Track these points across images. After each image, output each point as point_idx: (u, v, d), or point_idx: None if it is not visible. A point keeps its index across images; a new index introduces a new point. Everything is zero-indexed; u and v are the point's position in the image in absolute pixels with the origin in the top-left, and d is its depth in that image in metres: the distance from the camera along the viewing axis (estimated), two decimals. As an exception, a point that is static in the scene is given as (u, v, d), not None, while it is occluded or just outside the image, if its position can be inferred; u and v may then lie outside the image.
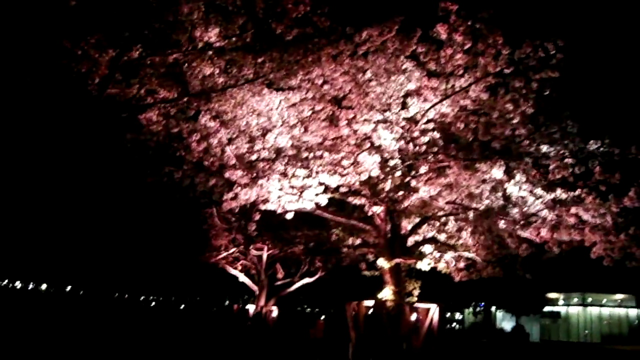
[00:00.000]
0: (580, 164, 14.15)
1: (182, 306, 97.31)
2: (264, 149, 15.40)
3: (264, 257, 30.49)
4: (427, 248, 19.03)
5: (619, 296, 53.53)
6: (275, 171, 15.37)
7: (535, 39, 13.33)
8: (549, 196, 14.74)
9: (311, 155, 15.49)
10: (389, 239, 17.92)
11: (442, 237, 18.75)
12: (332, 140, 14.97)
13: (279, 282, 32.15)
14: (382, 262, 17.61)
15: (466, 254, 17.89)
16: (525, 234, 15.87)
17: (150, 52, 11.25)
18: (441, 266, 19.44)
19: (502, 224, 14.68)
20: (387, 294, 17.54)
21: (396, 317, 17.31)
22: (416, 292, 18.57)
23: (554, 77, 13.84)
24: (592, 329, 53.23)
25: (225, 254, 29.89)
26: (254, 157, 15.33)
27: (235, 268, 31.00)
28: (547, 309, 52.87)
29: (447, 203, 15.76)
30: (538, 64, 13.59)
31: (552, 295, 52.46)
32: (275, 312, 31.63)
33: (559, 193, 14.49)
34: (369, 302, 17.93)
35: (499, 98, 14.32)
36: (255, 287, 31.50)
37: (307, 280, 32.04)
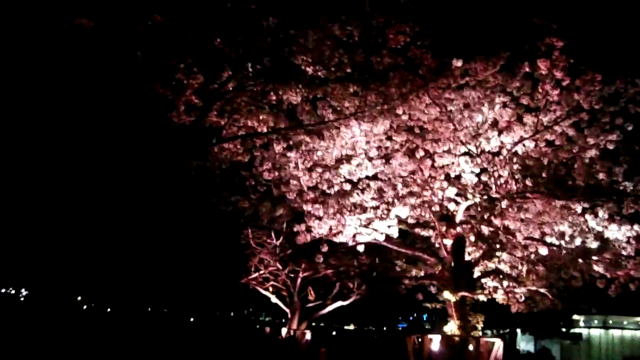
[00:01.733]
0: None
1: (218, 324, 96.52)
2: (340, 180, 15.14)
3: (299, 279, 30.08)
4: (486, 279, 18.71)
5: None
6: (352, 204, 15.10)
7: (626, 76, 13.11)
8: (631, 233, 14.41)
9: (387, 187, 15.24)
10: (453, 271, 17.56)
11: (505, 269, 18.39)
12: (409, 172, 14.69)
13: (310, 304, 31.71)
14: (448, 295, 17.20)
15: (530, 287, 17.51)
16: (599, 269, 15.51)
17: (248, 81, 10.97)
18: (499, 297, 19.06)
19: (598, 266, 14.29)
20: (452, 327, 17.17)
21: (461, 352, 16.96)
22: (480, 326, 18.16)
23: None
24: (613, 351, 52.78)
25: (255, 274, 29.55)
26: (327, 188, 15.06)
27: (266, 289, 30.60)
28: (567, 331, 52.46)
29: (525, 239, 15.39)
30: (627, 99, 13.33)
31: (573, 317, 52.01)
32: (308, 335, 31.13)
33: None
34: (433, 336, 17.57)
35: (586, 133, 14.03)
36: (287, 309, 31.08)
37: (340, 303, 31.58)
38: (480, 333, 18.03)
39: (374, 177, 15.06)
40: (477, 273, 18.29)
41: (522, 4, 12.47)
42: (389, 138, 14.38)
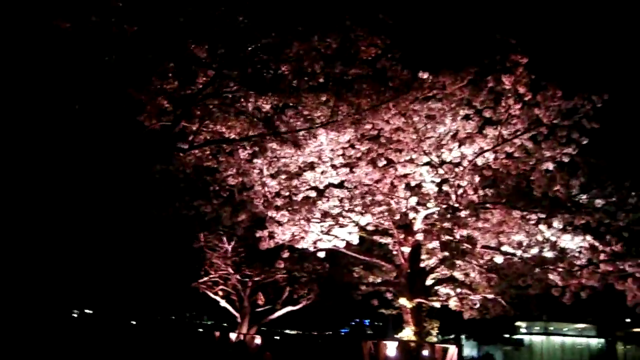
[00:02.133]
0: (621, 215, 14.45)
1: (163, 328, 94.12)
2: (305, 188, 15.23)
3: (249, 284, 29.89)
4: (440, 287, 19.09)
5: (580, 325, 54.92)
6: (317, 210, 15.20)
7: (583, 92, 13.58)
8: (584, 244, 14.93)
9: (351, 194, 15.40)
10: (409, 278, 17.83)
11: (459, 276, 18.81)
12: (372, 180, 14.89)
13: (260, 309, 31.55)
14: (404, 302, 17.47)
15: (486, 295, 17.96)
16: (555, 278, 15.90)
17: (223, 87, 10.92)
18: (452, 304, 19.50)
19: (553, 275, 14.70)
20: (408, 333, 17.45)
21: (417, 358, 17.25)
22: (434, 332, 18.50)
23: (595, 128, 14.09)
24: (554, 357, 54.35)
25: (205, 278, 29.27)
26: (293, 195, 15.13)
27: (215, 293, 30.30)
28: (510, 336, 53.77)
29: (482, 247, 15.75)
30: (583, 115, 13.80)
31: (516, 323, 53.32)
32: (258, 339, 30.98)
33: (598, 244, 14.65)
34: (388, 342, 17.83)
35: (543, 146, 14.45)
36: (236, 314, 30.84)
37: (290, 308, 31.52)
38: (435, 339, 18.40)
39: (339, 185, 15.20)
40: (430, 281, 18.66)
41: (488, 22, 12.81)
42: (352, 146, 14.51)
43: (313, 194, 15.28)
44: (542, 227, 14.95)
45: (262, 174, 14.79)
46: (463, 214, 14.99)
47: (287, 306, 31.30)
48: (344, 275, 20.62)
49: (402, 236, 17.02)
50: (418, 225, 16.73)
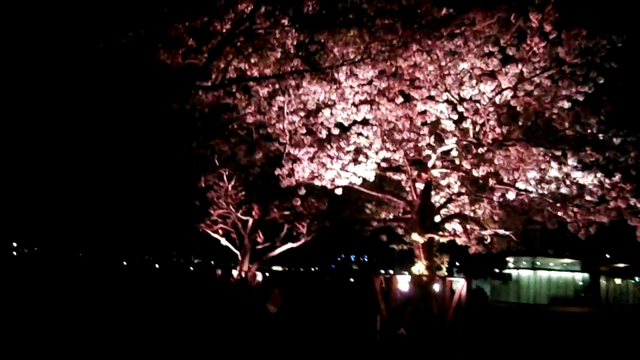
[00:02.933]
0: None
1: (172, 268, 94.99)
2: (322, 124, 15.29)
3: (250, 222, 30.20)
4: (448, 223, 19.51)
5: (565, 260, 56.55)
6: (335, 148, 15.33)
7: (604, 32, 13.63)
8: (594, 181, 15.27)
9: (371, 131, 15.52)
10: (420, 214, 18.17)
11: (468, 212, 19.22)
12: (395, 117, 14.97)
13: (260, 246, 32.00)
14: (417, 237, 17.85)
15: (498, 231, 18.42)
16: (570, 213, 16.28)
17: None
18: (460, 240, 20.02)
19: (570, 210, 15.07)
20: (420, 268, 17.90)
21: (428, 291, 17.76)
22: (444, 266, 19.04)
23: (613, 67, 14.20)
24: (540, 291, 56.11)
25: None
26: (313, 133, 15.22)
27: (216, 232, 30.64)
28: (499, 271, 55.21)
29: (500, 183, 16.03)
30: (604, 54, 13.88)
31: (505, 258, 54.66)
32: (259, 276, 31.56)
33: (616, 179, 14.96)
34: (400, 276, 18.34)
35: (560, 85, 14.57)
36: (237, 252, 31.28)
37: (290, 245, 31.99)
38: (446, 273, 18.97)
39: (363, 122, 15.29)
40: (438, 217, 19.04)
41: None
42: (370, 83, 14.47)
43: (336, 131, 15.37)
44: (554, 164, 15.28)
45: (283, 111, 14.79)
46: (480, 150, 15.23)
47: (287, 243, 31.84)
48: (353, 212, 20.93)
49: (415, 172, 17.28)
50: (432, 161, 16.96)
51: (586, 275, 58.34)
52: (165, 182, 27.62)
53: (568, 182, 15.31)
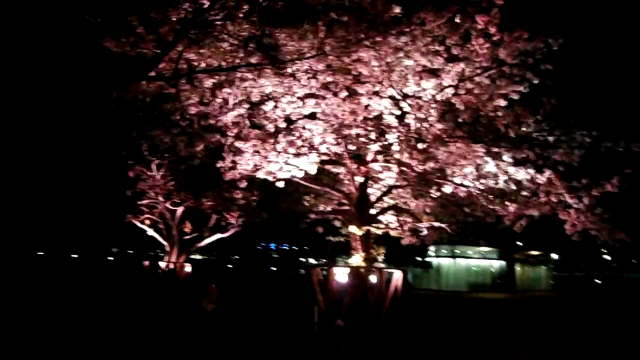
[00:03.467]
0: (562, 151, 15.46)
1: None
2: (267, 117, 15.19)
3: (178, 212, 29.66)
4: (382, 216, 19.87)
5: (483, 249, 58.60)
6: (281, 141, 15.26)
7: (541, 34, 14.17)
8: (527, 177, 15.93)
9: (311, 125, 15.54)
10: (358, 207, 18.41)
11: (402, 205, 19.63)
12: (342, 112, 15.04)
13: (188, 237, 31.50)
14: (354, 229, 18.11)
15: (434, 224, 18.89)
16: (495, 207, 16.96)
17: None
18: (394, 232, 20.44)
19: (510, 205, 15.61)
20: (357, 260, 18.16)
21: (365, 282, 18.05)
22: (380, 258, 19.32)
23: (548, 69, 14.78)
24: (459, 278, 58.01)
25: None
26: (259, 125, 15.11)
27: (142, 222, 29.92)
28: (421, 259, 56.81)
29: (437, 178, 16.41)
30: (539, 56, 14.44)
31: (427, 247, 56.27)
32: (188, 267, 31.08)
33: (547, 175, 15.62)
34: (338, 268, 18.50)
35: (497, 83, 15.05)
36: (165, 242, 30.67)
37: (219, 235, 31.64)
38: (383, 265, 19.26)
39: (308, 116, 15.28)
40: (374, 210, 19.35)
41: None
42: (314, 77, 14.48)
43: (282, 124, 15.31)
44: (490, 160, 15.85)
45: (227, 103, 14.58)
46: (421, 145, 15.53)
47: (215, 233, 31.45)
48: (289, 204, 20.91)
49: (354, 166, 17.47)
50: (371, 155, 17.17)
51: (503, 262, 60.85)
52: (100, 172, 26.66)
53: (505, 178, 15.86)
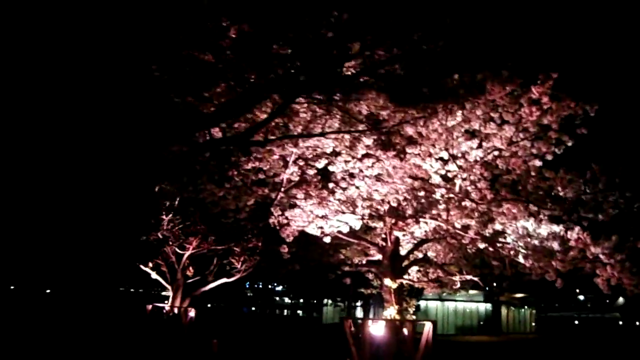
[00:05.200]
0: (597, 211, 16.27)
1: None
2: (320, 174, 15.71)
3: (185, 255, 29.71)
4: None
5: (470, 292, 59.18)
6: (335, 197, 15.76)
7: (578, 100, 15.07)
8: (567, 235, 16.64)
9: (359, 182, 16.07)
10: (391, 260, 18.92)
11: (433, 258, 20.23)
12: (396, 171, 15.61)
13: (190, 280, 31.43)
14: (389, 282, 18.59)
15: (466, 276, 19.50)
16: (520, 260, 17.65)
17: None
18: (418, 283, 21.07)
19: (558, 262, 16.23)
20: (391, 312, 18.60)
21: (399, 335, 18.45)
22: (411, 310, 19.82)
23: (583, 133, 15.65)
24: (448, 321, 58.41)
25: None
26: (312, 182, 15.58)
27: (146, 265, 29.86)
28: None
29: (475, 234, 17.01)
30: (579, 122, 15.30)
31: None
32: (192, 312, 30.96)
33: (575, 233, 16.37)
34: (372, 320, 18.88)
35: (535, 144, 15.83)
36: (168, 286, 30.57)
37: (224, 280, 31.68)
38: (414, 317, 19.74)
39: (359, 173, 15.82)
40: (408, 261, 19.90)
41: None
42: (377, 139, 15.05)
43: (340, 182, 15.84)
44: (531, 219, 16.57)
45: (286, 160, 15.08)
46: (467, 204, 16.15)
47: (221, 278, 31.46)
48: (320, 256, 21.26)
49: (393, 221, 18.00)
50: (409, 212, 17.74)
51: (489, 305, 61.66)
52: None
53: (551, 237, 16.52)
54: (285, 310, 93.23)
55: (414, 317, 19.84)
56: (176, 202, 24.89)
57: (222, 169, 15.58)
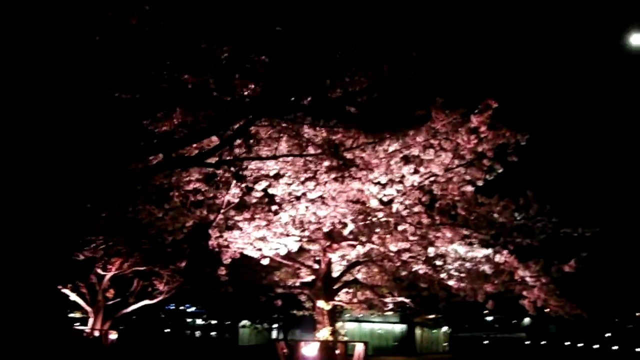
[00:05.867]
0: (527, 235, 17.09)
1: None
2: (263, 196, 15.68)
3: (107, 276, 28.78)
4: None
5: (386, 313, 59.95)
6: (276, 219, 15.75)
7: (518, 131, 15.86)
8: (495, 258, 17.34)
9: (313, 206, 16.14)
10: (325, 282, 19.08)
11: (364, 280, 20.56)
12: (340, 195, 15.76)
13: (111, 302, 30.46)
14: (322, 304, 18.75)
15: (397, 298, 19.90)
16: (450, 283, 18.25)
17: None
18: (347, 305, 21.40)
19: (490, 285, 16.79)
20: (324, 333, 18.73)
21: (332, 355, 18.61)
22: (343, 331, 19.98)
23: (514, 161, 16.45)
24: (364, 340, 58.60)
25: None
26: (254, 204, 15.55)
27: (65, 287, 28.68)
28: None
29: (410, 257, 17.42)
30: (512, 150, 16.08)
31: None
32: (113, 334, 29.98)
33: (503, 256, 17.11)
34: (305, 342, 18.90)
35: (467, 171, 16.50)
36: (89, 308, 29.47)
37: (146, 302, 30.88)
38: (346, 337, 19.89)
39: (301, 196, 15.88)
40: (340, 283, 20.11)
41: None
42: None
43: (274, 206, 15.83)
44: (462, 244, 17.20)
45: (226, 182, 14.98)
46: (401, 227, 16.53)
47: (143, 300, 30.63)
48: (252, 278, 21.02)
49: (327, 244, 18.18)
50: (345, 234, 17.96)
51: (404, 326, 62.66)
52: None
53: (484, 260, 17.14)
54: (198, 332, 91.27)
55: (345, 337, 19.97)
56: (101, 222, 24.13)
57: (162, 190, 15.32)
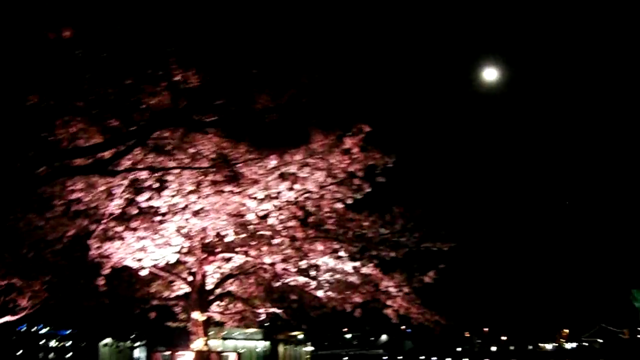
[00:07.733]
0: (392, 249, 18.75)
1: None
2: (145, 206, 16.00)
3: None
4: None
5: (249, 330, 60.25)
6: (153, 229, 16.08)
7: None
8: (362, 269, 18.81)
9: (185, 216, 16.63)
10: (199, 294, 19.63)
11: (237, 292, 21.32)
12: (220, 208, 16.41)
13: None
14: (197, 315, 19.30)
15: (269, 310, 20.83)
16: (319, 294, 19.56)
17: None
18: (219, 317, 22.13)
19: (357, 294, 18.05)
20: (199, 344, 19.30)
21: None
22: (217, 342, 20.57)
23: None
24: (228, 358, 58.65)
25: None
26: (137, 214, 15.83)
27: None
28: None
29: (283, 269, 18.43)
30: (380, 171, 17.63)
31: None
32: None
33: (370, 268, 18.64)
34: (182, 352, 19.32)
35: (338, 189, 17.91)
36: None
37: (8, 318, 29.37)
38: (221, 347, 20.50)
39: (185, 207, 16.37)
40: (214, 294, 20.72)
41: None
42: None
43: (158, 214, 16.20)
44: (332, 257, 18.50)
45: (109, 191, 15.23)
46: (276, 241, 17.52)
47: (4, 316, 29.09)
48: (127, 290, 20.97)
49: (204, 256, 18.79)
50: (220, 247, 18.68)
51: (267, 343, 63.33)
52: None
53: (352, 271, 18.49)
54: (51, 354, 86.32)
55: (220, 348, 20.60)
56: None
57: (44, 198, 15.24)
